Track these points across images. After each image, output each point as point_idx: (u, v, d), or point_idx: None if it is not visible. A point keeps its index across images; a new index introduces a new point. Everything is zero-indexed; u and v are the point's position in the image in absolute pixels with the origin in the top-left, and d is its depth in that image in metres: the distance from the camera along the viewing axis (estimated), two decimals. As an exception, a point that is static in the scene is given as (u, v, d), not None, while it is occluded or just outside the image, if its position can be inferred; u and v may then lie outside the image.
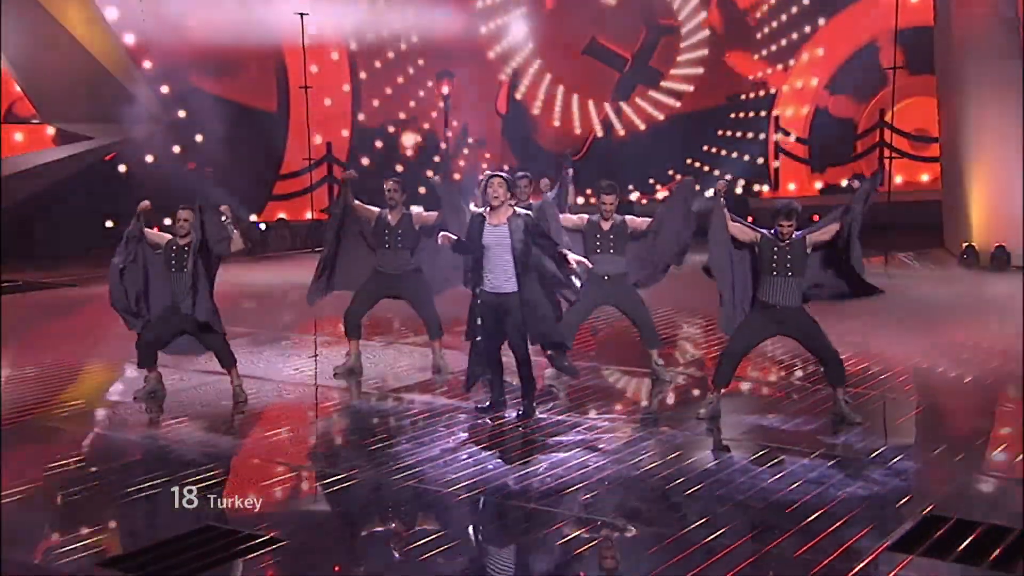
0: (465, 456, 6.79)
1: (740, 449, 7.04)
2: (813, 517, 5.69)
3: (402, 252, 9.02)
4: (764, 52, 26.29)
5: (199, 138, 20.20)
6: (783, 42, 26.18)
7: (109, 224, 18.70)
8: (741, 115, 26.30)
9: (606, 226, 8.57)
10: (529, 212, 7.46)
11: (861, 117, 25.55)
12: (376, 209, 9.14)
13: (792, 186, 25.94)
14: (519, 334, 7.45)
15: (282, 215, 22.19)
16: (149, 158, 19.74)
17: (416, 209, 9.22)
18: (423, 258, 9.02)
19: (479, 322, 7.47)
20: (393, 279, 9.07)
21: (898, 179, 24.34)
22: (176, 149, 20.14)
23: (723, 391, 7.69)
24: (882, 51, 24.20)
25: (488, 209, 7.36)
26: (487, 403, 7.87)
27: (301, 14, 20.20)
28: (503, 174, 7.53)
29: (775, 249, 7.25)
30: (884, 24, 21.99)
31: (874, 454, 6.87)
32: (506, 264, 7.30)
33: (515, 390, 7.89)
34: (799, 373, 9.17)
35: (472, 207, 8.32)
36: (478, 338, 7.54)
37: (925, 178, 24.74)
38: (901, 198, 20.57)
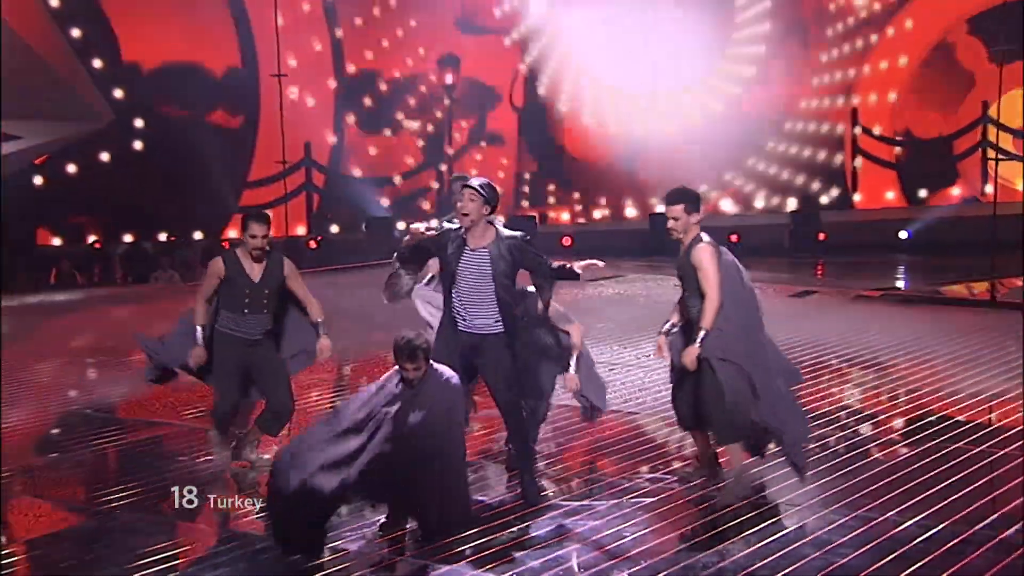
0: (484, 500, 6.59)
1: (763, 510, 6.36)
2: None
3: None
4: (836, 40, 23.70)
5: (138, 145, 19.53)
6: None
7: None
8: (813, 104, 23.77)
9: None
10: (516, 234, 6.58)
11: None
12: None
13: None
14: (505, 382, 6.54)
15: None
16: (105, 156, 19.07)
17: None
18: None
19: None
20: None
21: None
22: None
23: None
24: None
25: (463, 229, 6.48)
26: None
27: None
28: (477, 182, 6.39)
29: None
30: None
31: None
32: (487, 299, 6.45)
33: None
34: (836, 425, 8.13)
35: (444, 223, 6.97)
36: None
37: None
38: (1009, 210, 18.68)
